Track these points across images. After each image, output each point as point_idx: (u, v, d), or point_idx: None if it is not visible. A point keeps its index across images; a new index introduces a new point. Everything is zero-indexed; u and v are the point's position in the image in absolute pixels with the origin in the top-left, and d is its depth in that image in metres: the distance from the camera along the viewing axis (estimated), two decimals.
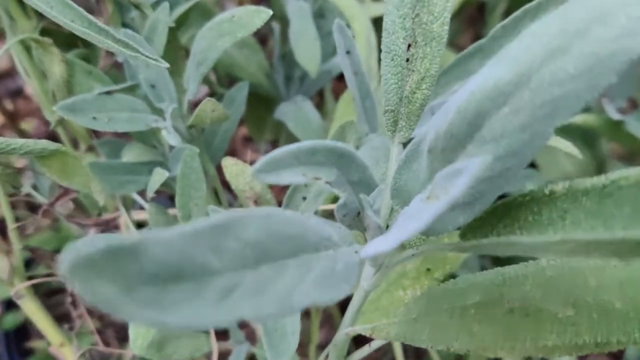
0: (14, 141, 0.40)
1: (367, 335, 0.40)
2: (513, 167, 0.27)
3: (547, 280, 0.33)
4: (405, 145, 0.36)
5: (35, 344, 0.94)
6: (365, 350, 0.46)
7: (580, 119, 0.73)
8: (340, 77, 0.86)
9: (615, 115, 0.71)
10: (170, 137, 0.46)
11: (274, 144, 0.84)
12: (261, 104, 0.71)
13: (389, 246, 0.27)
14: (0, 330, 0.93)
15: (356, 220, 0.34)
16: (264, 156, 0.28)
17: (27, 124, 1.12)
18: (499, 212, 0.30)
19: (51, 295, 0.80)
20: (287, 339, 0.43)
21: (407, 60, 0.35)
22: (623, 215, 0.25)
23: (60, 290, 0.86)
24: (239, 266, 0.24)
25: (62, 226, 0.99)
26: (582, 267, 0.33)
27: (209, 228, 0.23)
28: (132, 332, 0.43)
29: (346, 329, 0.42)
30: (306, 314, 0.77)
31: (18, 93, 1.25)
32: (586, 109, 0.76)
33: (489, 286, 0.35)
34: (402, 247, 0.39)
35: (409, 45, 0.35)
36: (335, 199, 0.49)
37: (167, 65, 0.39)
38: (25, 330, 0.96)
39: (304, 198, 0.44)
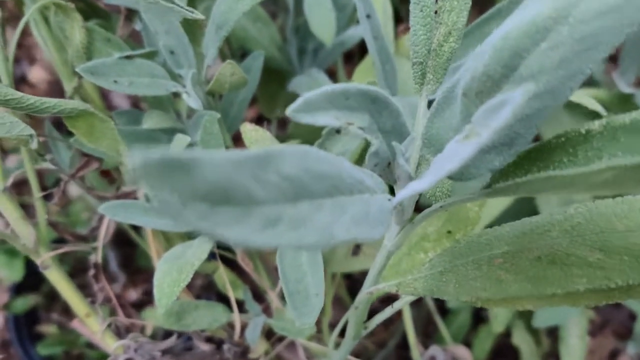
0: (48, 100, 0.40)
1: (393, 291, 0.40)
2: (550, 106, 0.27)
3: (573, 226, 0.33)
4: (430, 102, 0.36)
5: (45, 328, 0.95)
6: (387, 311, 0.46)
7: (591, 93, 0.73)
8: (348, 56, 0.86)
9: (626, 89, 0.72)
10: (191, 101, 0.46)
11: (284, 124, 0.84)
12: (274, 78, 0.71)
13: (425, 185, 0.27)
14: (11, 315, 0.93)
15: (387, 171, 0.34)
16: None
17: None
18: (532, 156, 0.30)
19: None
20: (310, 301, 0.43)
21: (435, 12, 0.35)
22: None
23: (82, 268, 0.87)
24: (280, 199, 0.24)
25: (71, 210, 0.99)
26: (608, 212, 0.33)
27: (251, 157, 0.23)
28: (156, 292, 0.43)
29: (369, 289, 0.42)
30: None
31: (22, 80, 1.25)
32: (595, 84, 0.76)
33: (515, 236, 0.35)
34: (430, 200, 0.39)
35: None
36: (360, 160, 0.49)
37: (201, 16, 0.39)
38: (35, 315, 0.96)
39: (325, 150, 0.44)
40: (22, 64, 1.28)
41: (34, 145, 0.43)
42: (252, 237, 0.22)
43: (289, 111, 0.27)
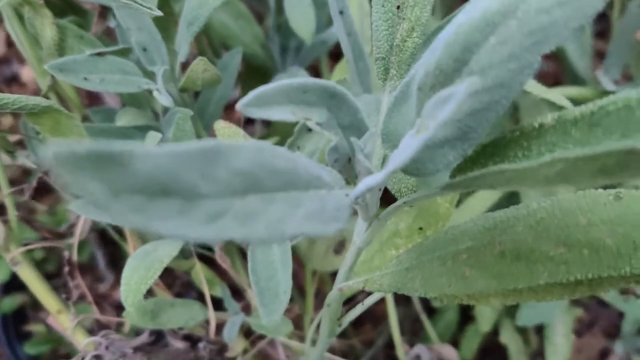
0: (5, 96, 0.40)
1: (360, 288, 0.40)
2: (501, 100, 0.27)
3: (538, 221, 0.33)
4: None
5: (33, 327, 0.94)
6: (358, 309, 0.46)
7: (575, 91, 0.73)
8: (336, 55, 0.86)
9: (610, 87, 0.72)
10: (162, 98, 0.46)
11: (268, 123, 0.84)
12: (257, 76, 0.71)
13: (379, 179, 0.27)
14: None
15: (347, 167, 0.34)
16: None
17: None
18: (488, 151, 0.30)
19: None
20: (279, 298, 0.43)
21: (398, 7, 0.35)
22: (611, 142, 0.25)
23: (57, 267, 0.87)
24: (227, 194, 0.24)
25: (59, 210, 0.99)
26: (572, 207, 0.33)
27: (198, 152, 0.23)
28: (123, 290, 0.43)
29: (339, 285, 0.42)
30: (300, 293, 0.77)
31: (13, 79, 1.25)
32: (581, 81, 0.76)
33: (480, 231, 0.35)
34: (394, 197, 0.39)
35: None
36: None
37: (160, 13, 0.39)
38: (23, 314, 0.96)
39: (298, 148, 0.44)
40: (13, 63, 1.27)
41: None
42: (193, 230, 0.21)
43: (239, 105, 0.27)
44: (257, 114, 0.28)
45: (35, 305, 0.98)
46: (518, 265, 0.33)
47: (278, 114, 0.29)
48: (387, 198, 0.38)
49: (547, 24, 0.25)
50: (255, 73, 0.71)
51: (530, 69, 0.26)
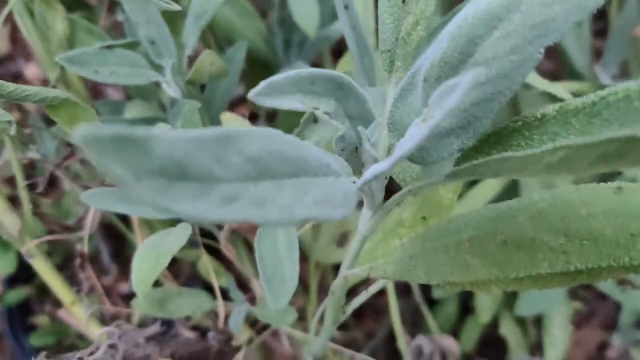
0: (28, 88, 0.41)
1: (365, 275, 0.41)
2: (504, 90, 0.28)
3: (539, 212, 0.34)
4: None
5: (37, 319, 0.95)
6: (362, 296, 0.47)
7: (573, 86, 0.74)
8: (337, 52, 0.87)
9: (609, 82, 0.73)
10: (170, 90, 0.47)
11: (272, 118, 0.84)
12: (260, 71, 0.71)
13: (386, 165, 0.28)
14: (3, 307, 0.94)
15: (354, 156, 0.35)
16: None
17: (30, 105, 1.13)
18: (491, 140, 0.31)
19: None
20: (285, 284, 0.44)
21: (403, 2, 0.36)
22: (611, 131, 0.26)
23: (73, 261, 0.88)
24: (241, 178, 0.25)
25: (63, 203, 1.00)
26: (573, 199, 0.34)
27: (211, 138, 0.24)
28: (134, 278, 0.44)
29: (344, 273, 0.43)
30: (304, 286, 0.78)
31: (19, 76, 1.26)
32: (579, 78, 0.77)
33: (482, 221, 0.36)
34: (399, 185, 0.40)
35: None
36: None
37: (178, 7, 0.40)
38: (28, 307, 0.97)
39: (303, 139, 0.44)
40: (18, 61, 1.28)
41: (12, 131, 0.44)
42: (210, 212, 0.22)
43: (251, 94, 0.28)
44: (268, 102, 0.29)
45: (40, 298, 0.99)
46: (519, 254, 0.34)
47: (288, 102, 0.30)
48: (390, 191, 0.39)
49: (549, 18, 0.26)
50: (258, 68, 0.72)
51: (532, 61, 0.27)
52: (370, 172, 0.29)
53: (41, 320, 0.96)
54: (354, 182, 0.31)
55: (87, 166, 0.58)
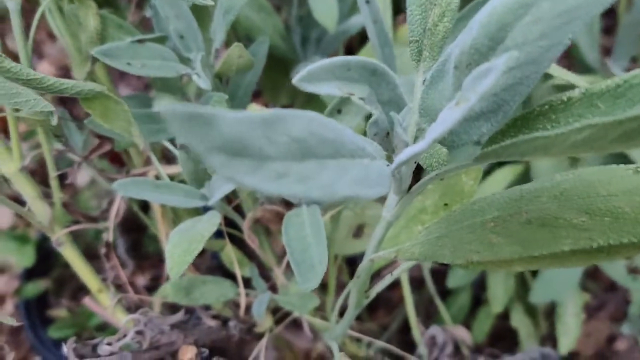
0: (66, 81, 0.43)
1: (392, 258, 0.43)
2: (532, 75, 0.30)
3: (561, 192, 0.36)
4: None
5: (55, 312, 0.97)
6: (387, 280, 0.49)
7: (586, 79, 0.75)
8: (349, 48, 0.88)
9: (620, 74, 0.74)
10: (201, 82, 0.49)
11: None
12: (278, 67, 0.73)
13: (421, 147, 0.30)
14: (22, 300, 0.95)
15: (385, 141, 0.36)
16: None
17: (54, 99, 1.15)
18: (518, 124, 0.33)
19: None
20: (314, 269, 0.46)
21: None
22: (634, 110, 0.27)
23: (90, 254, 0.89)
24: (288, 157, 0.27)
25: (80, 198, 1.02)
26: (593, 179, 0.35)
27: (260, 120, 0.26)
28: (168, 262, 0.46)
29: (370, 256, 0.45)
30: (322, 284, 0.80)
31: None
32: (590, 71, 0.79)
33: (506, 202, 0.37)
34: (425, 170, 0.42)
35: None
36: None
37: (211, 2, 0.42)
38: (45, 300, 0.98)
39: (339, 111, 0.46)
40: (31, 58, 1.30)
41: (54, 121, 0.45)
42: (265, 185, 0.24)
43: (295, 80, 0.29)
44: (310, 88, 0.30)
45: (58, 291, 1.01)
46: (543, 232, 0.36)
47: (326, 88, 0.31)
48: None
49: (575, 6, 0.28)
50: (276, 64, 0.74)
51: (559, 47, 0.28)
52: (405, 153, 0.31)
53: (59, 312, 0.97)
54: (387, 165, 0.33)
55: (113, 162, 0.59)
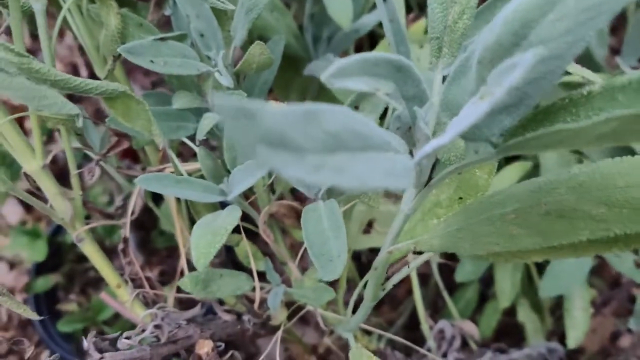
0: (91, 81, 0.44)
1: (410, 250, 0.44)
2: (556, 69, 0.31)
3: (580, 184, 0.37)
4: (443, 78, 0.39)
5: (64, 307, 0.98)
6: (404, 271, 0.50)
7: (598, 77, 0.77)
8: (359, 47, 0.89)
9: (629, 71, 0.75)
10: (222, 79, 0.50)
11: None
12: (290, 65, 0.74)
13: (445, 141, 0.31)
14: (31, 294, 0.96)
15: (408, 135, 0.37)
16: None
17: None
18: (538, 118, 0.34)
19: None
20: (334, 262, 0.47)
21: None
22: None
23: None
24: (323, 151, 0.28)
25: (90, 194, 1.03)
26: (611, 171, 0.36)
27: (301, 113, 0.27)
28: (194, 253, 0.47)
29: (388, 248, 0.46)
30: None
31: None
32: (598, 69, 0.80)
33: (525, 194, 0.38)
34: (439, 165, 0.43)
35: None
36: None
37: (232, 6, 0.43)
38: (54, 294, 0.99)
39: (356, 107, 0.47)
40: (39, 56, 1.31)
41: (80, 123, 0.47)
42: (305, 177, 0.25)
43: (324, 76, 0.30)
44: (338, 84, 0.31)
45: (67, 285, 1.02)
46: (562, 223, 0.37)
47: (354, 83, 0.32)
48: None
49: (600, 1, 0.29)
50: (288, 62, 0.75)
51: (583, 42, 0.29)
52: (430, 145, 0.32)
53: (69, 307, 0.98)
54: (411, 159, 0.34)
55: (125, 159, 0.60)
